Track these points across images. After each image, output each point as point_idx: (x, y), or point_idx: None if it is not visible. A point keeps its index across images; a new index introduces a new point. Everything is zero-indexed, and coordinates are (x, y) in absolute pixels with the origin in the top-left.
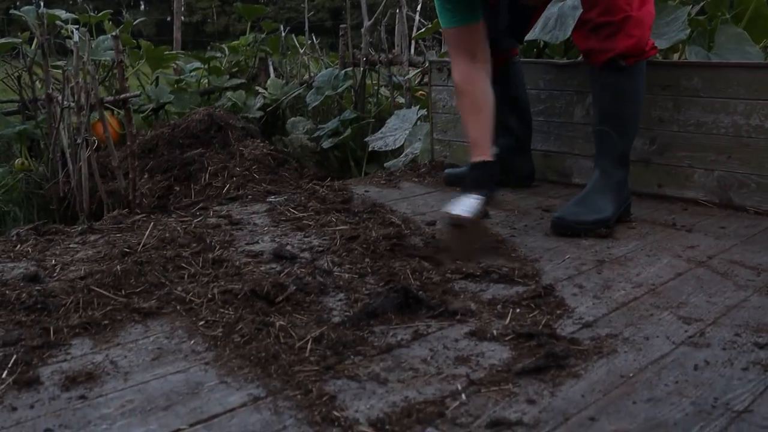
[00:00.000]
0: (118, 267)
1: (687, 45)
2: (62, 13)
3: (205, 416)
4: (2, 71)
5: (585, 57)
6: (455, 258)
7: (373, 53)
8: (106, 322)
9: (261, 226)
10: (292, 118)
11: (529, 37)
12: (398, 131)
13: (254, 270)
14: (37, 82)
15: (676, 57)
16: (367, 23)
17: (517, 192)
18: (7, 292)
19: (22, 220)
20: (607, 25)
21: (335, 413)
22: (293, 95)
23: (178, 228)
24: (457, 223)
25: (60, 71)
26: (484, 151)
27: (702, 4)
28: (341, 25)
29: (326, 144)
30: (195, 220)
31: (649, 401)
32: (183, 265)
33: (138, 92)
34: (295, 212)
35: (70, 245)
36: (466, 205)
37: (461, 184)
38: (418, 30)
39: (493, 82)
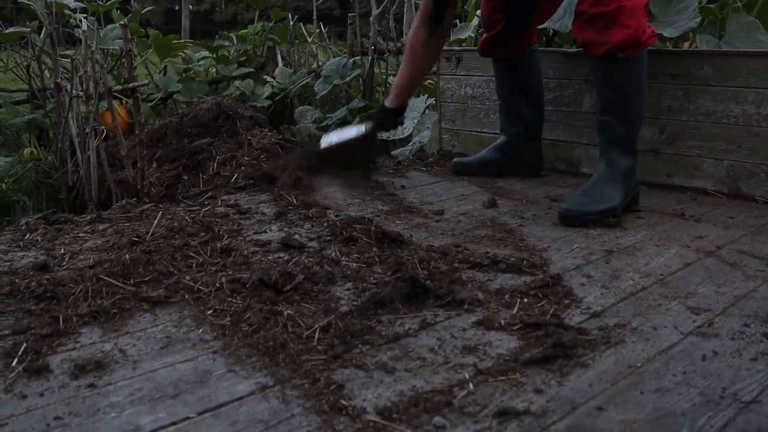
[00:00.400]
0: (127, 256)
1: (698, 33)
2: (71, 2)
3: (214, 405)
4: (11, 60)
5: (583, 49)
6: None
7: (382, 42)
8: (114, 310)
9: (269, 216)
10: (300, 107)
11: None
12: (406, 120)
13: (262, 259)
14: (46, 72)
15: (686, 45)
16: (375, 12)
17: (526, 181)
18: (17, 280)
19: (31, 209)
20: (601, 16)
21: (343, 402)
22: (301, 84)
23: (187, 217)
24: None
25: (69, 60)
26: (394, 99)
27: None
28: (349, 14)
29: None
30: (203, 210)
31: (657, 391)
32: (191, 254)
33: (146, 81)
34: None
35: (79, 234)
36: (336, 134)
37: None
38: None
39: (506, 69)
